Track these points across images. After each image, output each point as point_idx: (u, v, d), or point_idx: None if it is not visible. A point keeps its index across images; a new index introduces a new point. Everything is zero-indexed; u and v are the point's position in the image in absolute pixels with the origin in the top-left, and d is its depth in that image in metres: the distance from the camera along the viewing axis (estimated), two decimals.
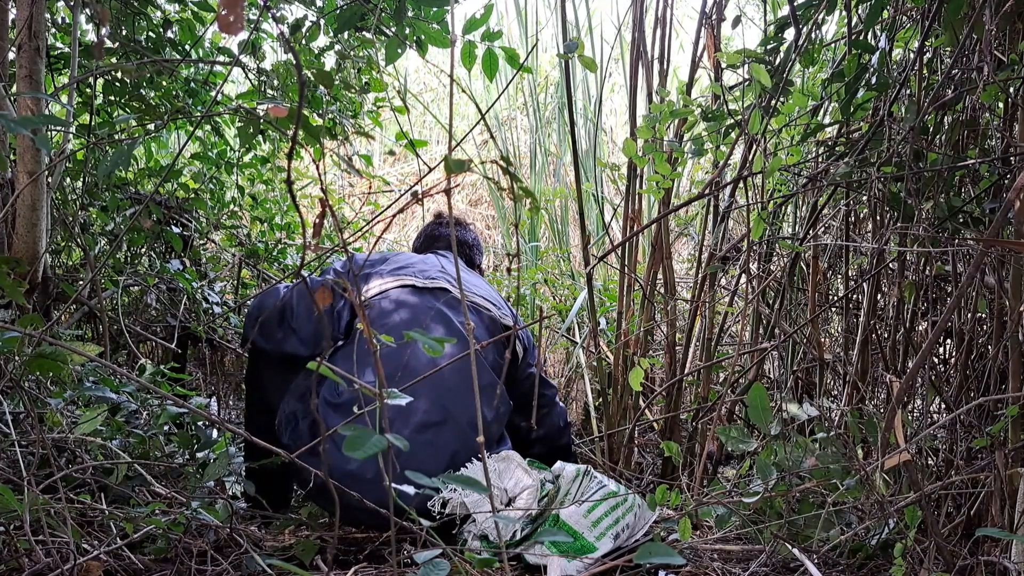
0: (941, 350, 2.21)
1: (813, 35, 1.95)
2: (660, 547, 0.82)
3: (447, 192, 0.98)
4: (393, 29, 2.20)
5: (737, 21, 2.20)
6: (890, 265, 1.97)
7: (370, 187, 3.95)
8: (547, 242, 4.37)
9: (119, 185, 2.75)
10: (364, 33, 2.34)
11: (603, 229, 3.40)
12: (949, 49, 1.75)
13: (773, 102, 1.90)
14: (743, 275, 2.52)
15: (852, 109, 1.86)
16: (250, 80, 2.50)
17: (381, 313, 1.81)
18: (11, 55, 2.00)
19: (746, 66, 1.94)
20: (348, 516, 1.69)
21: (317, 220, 0.88)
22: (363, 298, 1.84)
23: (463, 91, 3.34)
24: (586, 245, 2.44)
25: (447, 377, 1.68)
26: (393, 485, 0.93)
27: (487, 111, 1.71)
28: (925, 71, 1.76)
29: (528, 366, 2.03)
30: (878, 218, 1.99)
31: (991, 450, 1.44)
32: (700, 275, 2.43)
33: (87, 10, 2.29)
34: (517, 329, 1.66)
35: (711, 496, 1.76)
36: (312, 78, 2.25)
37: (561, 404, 2.18)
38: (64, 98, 2.24)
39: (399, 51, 2.22)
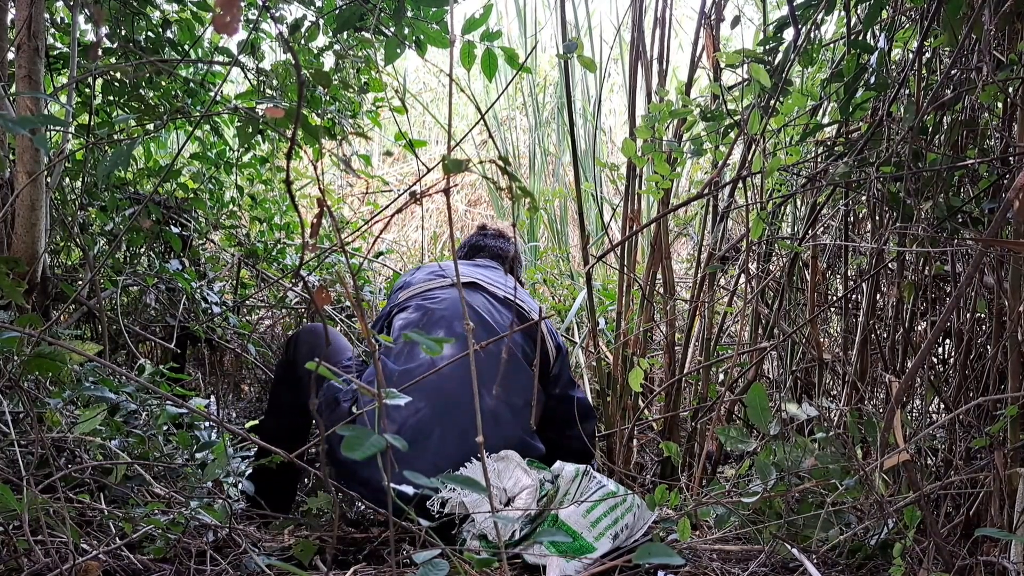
0: (940, 350, 2.21)
1: (812, 35, 1.95)
2: (659, 547, 0.82)
3: (446, 192, 0.98)
4: (392, 29, 2.20)
5: (736, 21, 2.20)
6: (889, 265, 1.97)
7: (367, 187, 3.95)
8: (546, 242, 4.37)
9: (118, 185, 2.75)
10: (363, 33, 2.34)
11: (602, 229, 3.40)
12: (948, 49, 1.75)
13: (772, 102, 1.90)
14: (742, 275, 2.52)
15: (851, 109, 1.86)
16: (249, 80, 2.49)
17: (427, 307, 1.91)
18: (10, 55, 2.00)
19: (745, 66, 1.94)
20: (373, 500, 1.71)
21: (315, 220, 0.88)
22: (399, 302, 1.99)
23: (462, 91, 3.34)
24: (585, 245, 2.44)
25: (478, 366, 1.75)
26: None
27: (486, 111, 1.71)
28: (924, 71, 1.76)
29: (558, 378, 2.01)
30: (877, 218, 1.99)
31: (990, 450, 1.44)
32: (699, 275, 2.43)
33: (86, 10, 2.29)
34: (543, 318, 1.73)
35: (710, 496, 1.76)
36: (311, 78, 2.25)
37: (591, 423, 2.07)
38: (63, 98, 2.23)
39: (398, 51, 2.22)
